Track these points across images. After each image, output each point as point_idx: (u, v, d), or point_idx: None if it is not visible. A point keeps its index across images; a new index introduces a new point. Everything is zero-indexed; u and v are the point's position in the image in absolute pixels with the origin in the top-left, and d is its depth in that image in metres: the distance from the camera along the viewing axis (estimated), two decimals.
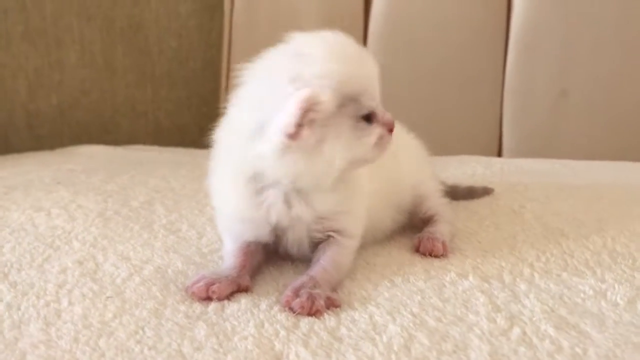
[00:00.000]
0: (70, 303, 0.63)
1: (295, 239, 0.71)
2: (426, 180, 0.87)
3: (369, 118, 0.65)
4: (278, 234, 0.70)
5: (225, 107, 0.70)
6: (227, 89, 1.68)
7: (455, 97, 1.56)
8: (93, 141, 1.58)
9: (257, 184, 0.67)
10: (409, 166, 0.84)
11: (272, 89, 0.63)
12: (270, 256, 0.73)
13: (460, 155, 1.37)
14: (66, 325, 0.59)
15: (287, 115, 0.61)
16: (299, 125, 0.61)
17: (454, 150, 1.45)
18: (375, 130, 0.65)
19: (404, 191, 0.83)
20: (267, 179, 0.66)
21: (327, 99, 0.61)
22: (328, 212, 0.69)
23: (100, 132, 1.64)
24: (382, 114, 0.66)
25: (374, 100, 0.66)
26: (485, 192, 1.00)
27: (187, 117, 1.70)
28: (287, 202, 0.68)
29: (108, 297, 0.64)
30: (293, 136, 0.61)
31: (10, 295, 0.65)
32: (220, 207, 0.73)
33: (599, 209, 0.92)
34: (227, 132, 0.69)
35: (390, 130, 0.67)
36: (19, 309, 0.62)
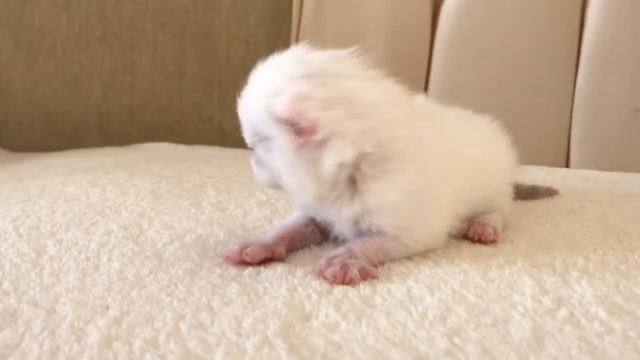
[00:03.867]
0: (109, 259, 0.64)
1: (340, 232, 0.68)
2: (502, 196, 0.80)
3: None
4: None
5: None
6: None
7: (523, 110, 1.51)
8: (159, 142, 1.62)
9: None
10: (495, 175, 0.78)
11: None
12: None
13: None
14: (102, 277, 0.59)
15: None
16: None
17: (520, 163, 1.39)
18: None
19: (479, 206, 0.76)
20: None
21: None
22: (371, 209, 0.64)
23: (166, 135, 1.69)
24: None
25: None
26: (549, 192, 0.94)
27: None
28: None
29: (146, 257, 0.65)
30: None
31: (55, 249, 0.66)
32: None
33: None
34: None
35: None
36: (60, 260, 0.63)
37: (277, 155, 0.61)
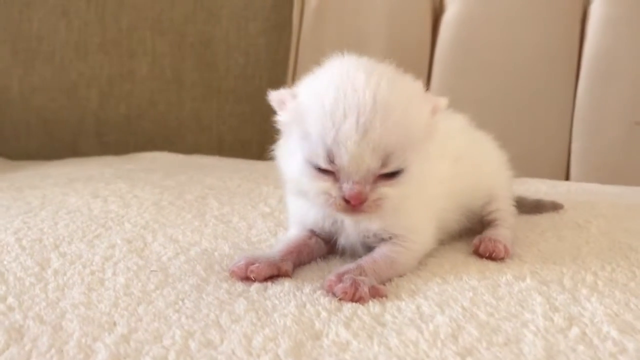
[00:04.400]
0: (114, 274, 0.63)
1: (348, 242, 0.69)
2: (500, 187, 0.83)
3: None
4: (333, 229, 0.68)
5: None
6: None
7: (523, 122, 1.52)
8: (157, 151, 1.61)
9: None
10: (488, 173, 0.81)
11: None
12: (328, 253, 0.71)
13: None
14: (108, 292, 0.59)
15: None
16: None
17: (519, 175, 1.40)
18: (324, 182, 0.60)
19: (477, 196, 0.79)
20: None
21: (285, 110, 0.63)
22: (374, 228, 0.66)
23: (164, 143, 1.68)
24: (347, 183, 0.58)
25: (338, 160, 0.58)
26: (554, 207, 0.94)
27: (250, 133, 1.71)
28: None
29: (152, 271, 0.64)
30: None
31: (58, 263, 0.65)
32: (285, 172, 0.67)
33: None
34: None
35: (348, 202, 0.59)
36: (64, 274, 0.62)
37: None
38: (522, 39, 1.53)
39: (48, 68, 1.64)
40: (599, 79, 1.48)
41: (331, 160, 0.58)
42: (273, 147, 0.69)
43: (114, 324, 0.52)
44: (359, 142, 0.57)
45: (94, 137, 1.68)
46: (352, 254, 0.70)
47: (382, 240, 0.67)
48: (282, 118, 0.64)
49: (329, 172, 0.59)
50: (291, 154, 0.62)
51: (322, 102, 0.59)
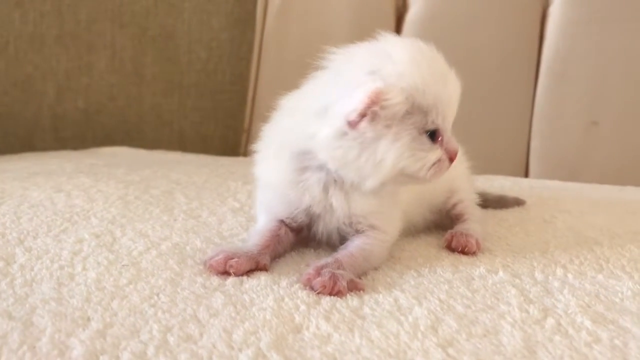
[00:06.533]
0: (84, 269, 0.61)
1: (326, 229, 0.69)
2: (460, 179, 0.84)
3: (433, 136, 0.63)
4: (311, 218, 0.68)
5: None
6: (254, 103, 1.68)
7: (484, 121, 1.54)
8: (116, 146, 1.58)
9: (300, 163, 0.66)
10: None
11: (348, 76, 0.62)
12: (297, 244, 0.71)
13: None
14: (79, 287, 0.57)
15: (353, 102, 0.59)
16: (362, 115, 0.59)
17: (480, 172, 1.42)
18: (436, 151, 0.63)
19: (438, 190, 0.81)
20: (312, 161, 0.65)
21: (397, 100, 0.60)
22: (361, 213, 0.67)
23: (124, 139, 1.64)
24: (449, 139, 0.64)
25: (444, 121, 0.64)
26: (517, 202, 0.97)
27: (212, 129, 1.69)
28: (325, 190, 0.66)
29: (123, 266, 0.62)
30: (352, 124, 0.60)
31: (25, 258, 0.63)
32: (260, 175, 0.71)
33: (632, 222, 0.88)
34: (293, 104, 0.68)
35: (451, 159, 0.65)
36: (32, 269, 0.60)
37: None
38: (483, 39, 1.56)
39: (1, 60, 1.58)
40: (558, 79, 1.52)
41: (443, 119, 0.63)
42: (253, 146, 0.71)
43: (88, 319, 0.50)
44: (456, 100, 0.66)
45: (50, 132, 1.62)
46: (327, 242, 0.70)
47: (357, 231, 0.68)
48: (390, 110, 0.60)
49: (434, 138, 0.63)
50: (395, 141, 0.61)
51: (422, 75, 0.61)
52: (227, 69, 1.70)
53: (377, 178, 0.62)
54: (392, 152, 0.61)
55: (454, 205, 0.82)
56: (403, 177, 0.63)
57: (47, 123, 1.62)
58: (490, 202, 0.94)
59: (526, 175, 1.53)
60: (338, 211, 0.67)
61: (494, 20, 1.56)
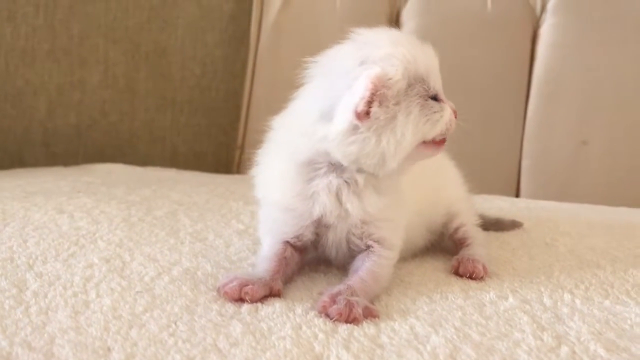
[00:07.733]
0: (98, 295, 0.61)
1: (335, 241, 0.69)
2: (460, 202, 0.85)
3: (436, 99, 0.66)
4: (319, 232, 0.69)
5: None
6: (247, 120, 1.68)
7: (475, 141, 1.56)
8: (108, 162, 1.56)
9: (309, 173, 0.66)
10: (445, 188, 0.84)
11: (341, 74, 0.63)
12: (304, 266, 0.72)
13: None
14: (95, 314, 0.57)
15: (357, 93, 0.61)
16: (370, 103, 0.61)
17: (471, 192, 1.43)
18: (447, 109, 0.66)
19: (437, 211, 0.82)
20: (319, 169, 0.66)
21: (398, 77, 0.62)
22: (375, 213, 0.68)
23: (116, 155, 1.63)
24: (446, 99, 0.68)
25: (438, 85, 0.67)
26: (514, 225, 0.98)
27: (205, 146, 1.69)
28: (337, 195, 0.67)
29: (137, 292, 0.62)
30: (362, 115, 0.61)
31: (37, 285, 0.63)
32: (264, 196, 0.71)
33: (633, 246, 0.90)
34: (287, 120, 0.69)
35: (455, 116, 0.68)
36: (45, 296, 0.60)
37: None
38: (475, 59, 1.58)
39: None
40: (548, 100, 1.54)
41: (436, 84, 0.66)
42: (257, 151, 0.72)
43: (109, 349, 0.50)
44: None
45: (41, 147, 1.61)
46: (335, 257, 0.71)
47: (365, 246, 0.69)
48: (395, 88, 0.62)
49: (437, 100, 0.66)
50: (408, 114, 0.63)
51: (408, 50, 0.64)
52: (221, 86, 1.70)
53: (400, 155, 0.64)
54: (410, 124, 0.63)
55: (456, 230, 0.83)
56: (419, 148, 0.66)
57: (38, 138, 1.60)
58: (487, 225, 0.95)
59: (517, 194, 1.55)
60: (353, 214, 0.67)
61: (485, 41, 1.58)
